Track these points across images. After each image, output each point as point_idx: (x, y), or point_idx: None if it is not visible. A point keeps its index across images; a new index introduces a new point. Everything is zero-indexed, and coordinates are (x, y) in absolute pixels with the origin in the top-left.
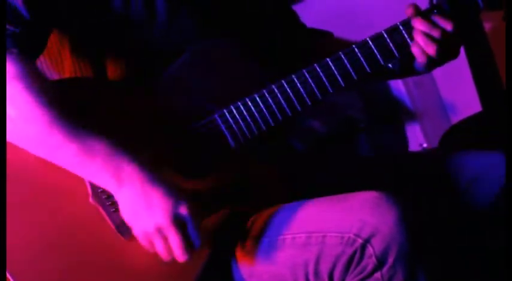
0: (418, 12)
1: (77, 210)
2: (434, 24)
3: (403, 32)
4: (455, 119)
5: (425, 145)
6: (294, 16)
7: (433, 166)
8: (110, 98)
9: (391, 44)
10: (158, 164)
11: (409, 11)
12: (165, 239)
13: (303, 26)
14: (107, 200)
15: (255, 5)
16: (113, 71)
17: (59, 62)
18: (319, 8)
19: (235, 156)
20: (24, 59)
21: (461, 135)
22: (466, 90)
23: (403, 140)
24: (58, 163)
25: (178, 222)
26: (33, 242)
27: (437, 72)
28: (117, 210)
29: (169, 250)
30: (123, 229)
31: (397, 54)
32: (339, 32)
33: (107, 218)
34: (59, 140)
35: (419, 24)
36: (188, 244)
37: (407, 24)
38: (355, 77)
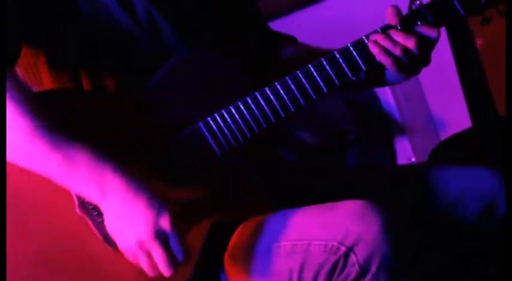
0: (399, 15)
1: (64, 222)
2: (395, 42)
3: (368, 45)
4: (444, 134)
5: (413, 159)
6: (264, 22)
7: (419, 179)
8: (92, 109)
9: (357, 57)
10: (143, 174)
11: (389, 13)
12: (149, 254)
13: (270, 30)
14: (93, 210)
15: (231, 12)
16: (93, 82)
17: (37, 77)
18: (320, 16)
19: (220, 164)
20: (10, 73)
21: (451, 152)
22: (455, 105)
23: (392, 154)
24: (42, 173)
25: (160, 236)
26: (21, 256)
27: (427, 87)
28: (103, 220)
29: (153, 265)
30: (111, 239)
31: (363, 67)
32: (338, 41)
33: (94, 228)
34: (42, 150)
35: (381, 40)
36: (172, 258)
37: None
38: (337, 84)
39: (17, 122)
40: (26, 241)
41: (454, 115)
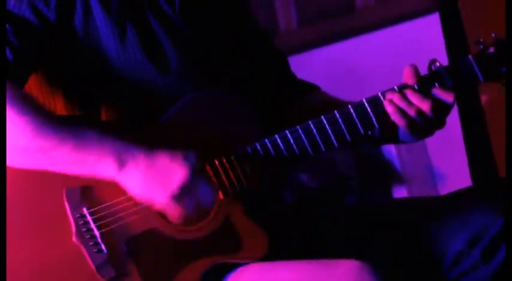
0: (417, 75)
1: (60, 249)
2: (410, 103)
3: (384, 103)
4: (443, 187)
5: None
6: (287, 67)
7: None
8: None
9: (371, 114)
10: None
11: (406, 73)
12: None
13: (293, 76)
14: (90, 240)
15: (251, 55)
16: (108, 113)
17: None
18: (324, 59)
19: (223, 207)
20: (10, 83)
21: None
22: (456, 160)
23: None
24: (55, 166)
25: (196, 172)
26: (15, 277)
27: (430, 140)
28: (99, 251)
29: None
30: (103, 270)
31: (376, 124)
32: (340, 86)
33: (88, 258)
34: (52, 141)
35: (396, 100)
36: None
37: (385, 97)
38: (348, 139)
39: (20, 122)
40: (20, 262)
41: (454, 169)
